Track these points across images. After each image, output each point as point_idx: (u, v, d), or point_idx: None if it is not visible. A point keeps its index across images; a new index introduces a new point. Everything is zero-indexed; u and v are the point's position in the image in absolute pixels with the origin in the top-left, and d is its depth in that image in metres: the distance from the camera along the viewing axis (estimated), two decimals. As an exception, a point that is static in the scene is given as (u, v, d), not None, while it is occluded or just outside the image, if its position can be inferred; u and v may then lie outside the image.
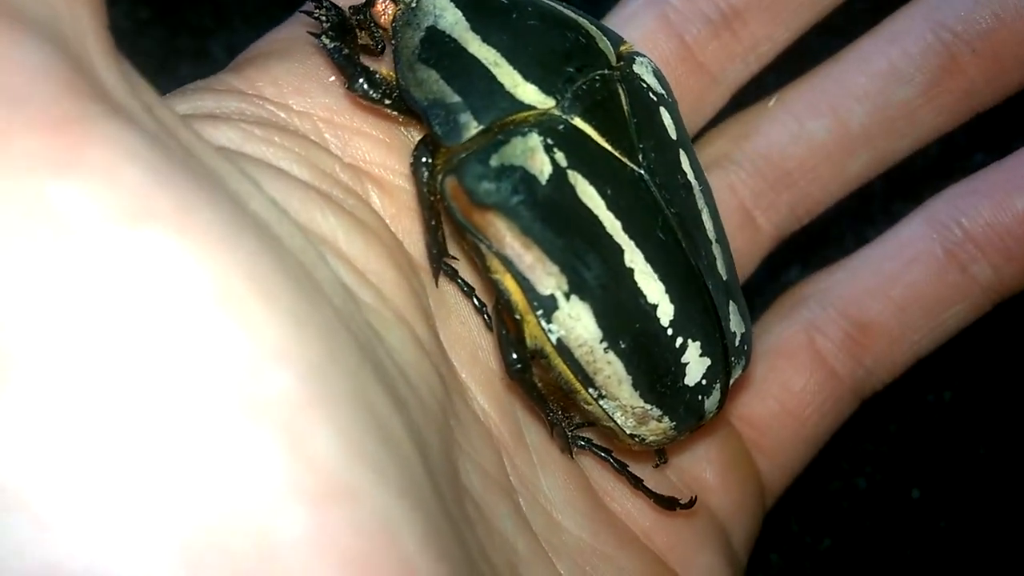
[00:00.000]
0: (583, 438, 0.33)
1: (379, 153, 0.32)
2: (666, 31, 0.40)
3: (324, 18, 0.31)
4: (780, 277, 0.44)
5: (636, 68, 0.32)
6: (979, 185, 0.40)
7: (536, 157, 0.29)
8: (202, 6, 0.65)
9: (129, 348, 0.19)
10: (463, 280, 0.32)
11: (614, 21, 0.41)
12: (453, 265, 0.32)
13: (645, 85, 0.32)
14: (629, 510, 0.35)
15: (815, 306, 0.40)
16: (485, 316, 0.32)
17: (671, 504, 0.34)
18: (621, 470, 0.34)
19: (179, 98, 0.31)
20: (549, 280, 0.30)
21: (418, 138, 0.32)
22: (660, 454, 0.36)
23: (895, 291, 0.40)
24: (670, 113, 0.33)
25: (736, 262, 0.38)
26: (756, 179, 0.41)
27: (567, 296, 0.30)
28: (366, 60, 0.33)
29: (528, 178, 0.29)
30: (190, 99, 0.31)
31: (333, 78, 0.32)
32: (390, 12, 0.32)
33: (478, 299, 0.32)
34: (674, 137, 0.32)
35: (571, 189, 0.30)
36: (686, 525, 0.36)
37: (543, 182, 0.29)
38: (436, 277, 0.32)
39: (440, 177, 0.30)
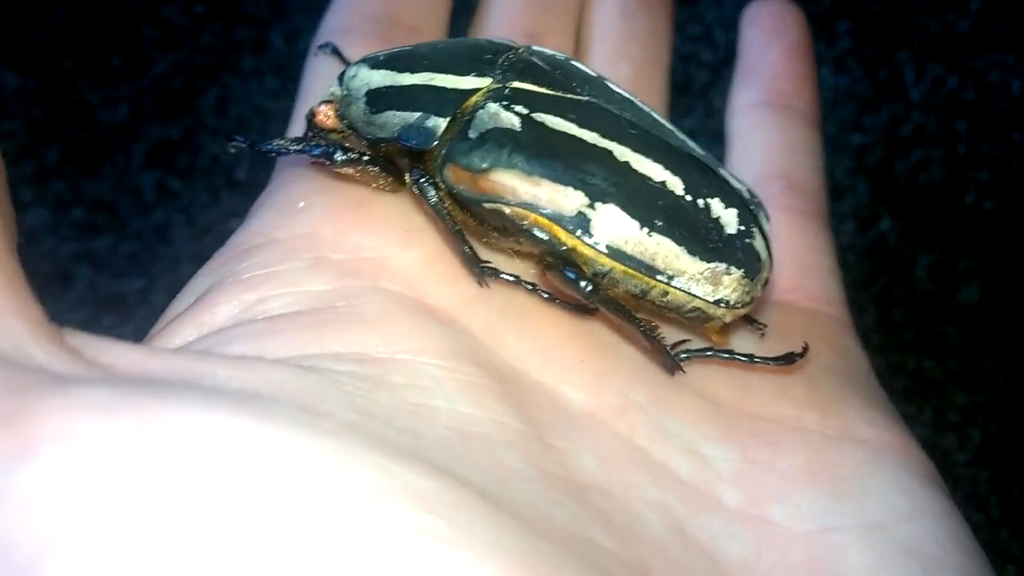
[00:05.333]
0: (682, 349, 0.35)
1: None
2: None
3: (284, 143, 0.36)
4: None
5: (535, 47, 0.37)
6: None
7: (502, 116, 0.34)
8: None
9: None
10: (505, 273, 0.35)
11: None
12: (491, 266, 0.34)
13: (549, 52, 0.37)
14: (763, 403, 0.35)
15: None
16: (541, 293, 0.34)
17: (791, 359, 0.36)
18: (730, 356, 0.35)
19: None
20: (570, 201, 0.33)
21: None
22: (754, 322, 0.37)
23: None
24: (581, 63, 0.38)
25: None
26: None
27: (592, 206, 0.33)
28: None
29: (505, 132, 0.34)
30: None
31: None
32: (331, 112, 0.36)
33: (526, 283, 0.34)
34: (595, 75, 0.37)
35: (542, 125, 0.34)
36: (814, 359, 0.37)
37: (519, 130, 0.34)
38: (480, 280, 0.34)
39: (438, 178, 0.34)
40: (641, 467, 0.32)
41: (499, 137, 0.33)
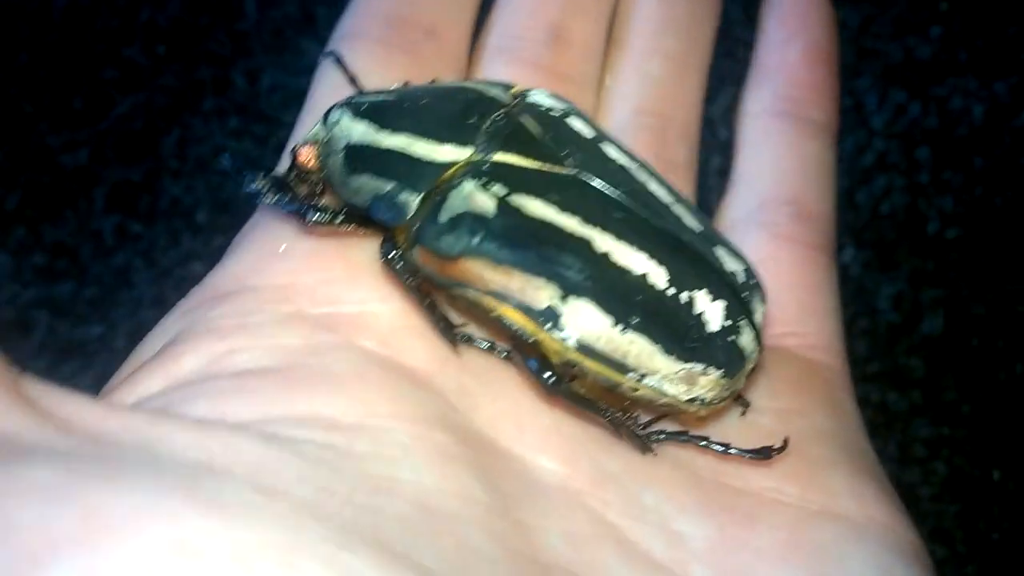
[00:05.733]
0: (654, 431, 0.34)
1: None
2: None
3: (263, 186, 0.35)
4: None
5: (530, 99, 0.35)
6: None
7: (476, 198, 0.32)
8: (219, 36, 0.64)
9: None
10: (480, 338, 0.34)
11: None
12: (465, 331, 0.34)
13: (544, 107, 0.35)
14: (744, 472, 0.34)
15: None
16: (516, 361, 0.33)
17: (767, 454, 0.34)
18: (706, 444, 0.34)
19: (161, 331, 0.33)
20: (542, 294, 0.32)
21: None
22: (740, 400, 0.36)
23: None
24: (579, 118, 0.36)
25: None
26: None
27: (564, 300, 0.32)
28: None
29: (478, 218, 0.32)
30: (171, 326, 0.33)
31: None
32: (312, 157, 0.35)
33: (501, 349, 0.34)
34: (590, 136, 0.35)
35: (518, 211, 0.32)
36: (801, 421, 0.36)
37: (492, 216, 0.32)
38: (454, 348, 0.33)
39: (408, 255, 0.33)
40: (611, 545, 0.31)
41: (470, 223, 0.32)
